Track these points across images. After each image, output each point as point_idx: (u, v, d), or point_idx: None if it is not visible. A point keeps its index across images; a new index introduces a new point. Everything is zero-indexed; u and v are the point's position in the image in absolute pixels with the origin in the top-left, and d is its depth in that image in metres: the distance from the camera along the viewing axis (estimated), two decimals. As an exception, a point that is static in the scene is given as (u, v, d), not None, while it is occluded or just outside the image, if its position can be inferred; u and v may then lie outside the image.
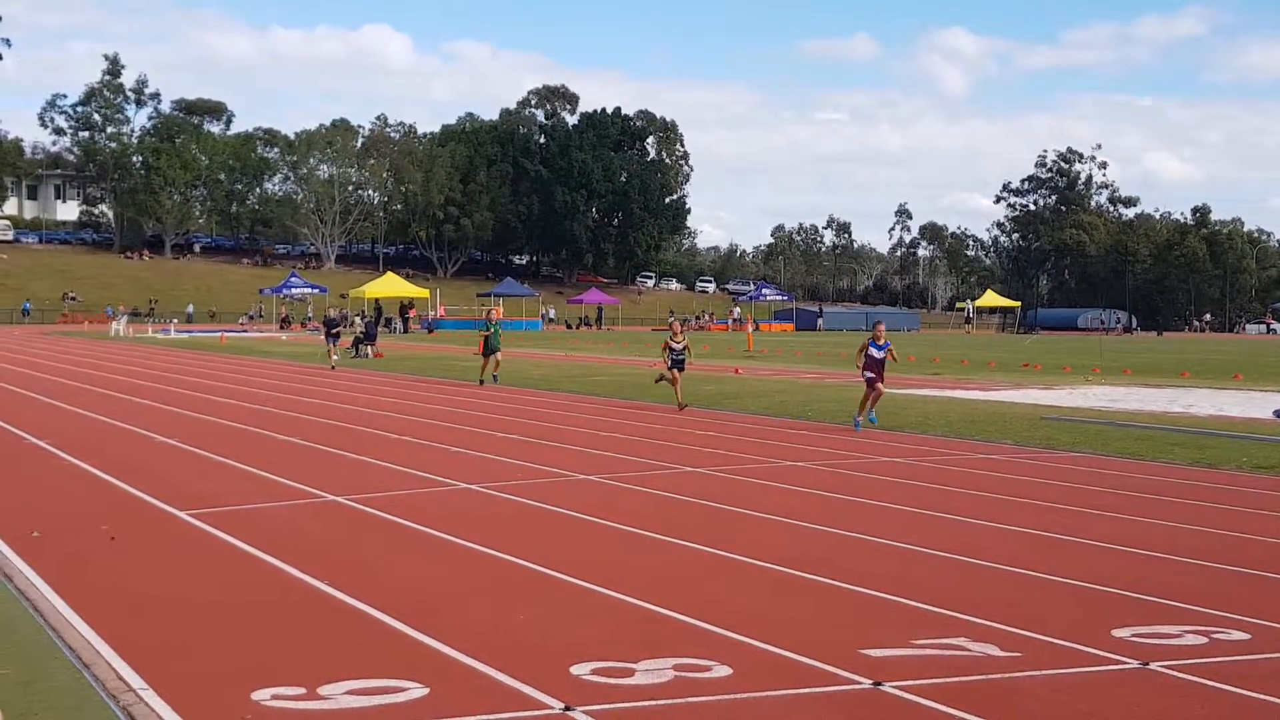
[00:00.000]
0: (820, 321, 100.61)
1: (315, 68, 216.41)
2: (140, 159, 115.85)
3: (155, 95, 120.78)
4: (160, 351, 46.70)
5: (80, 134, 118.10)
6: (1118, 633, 7.02)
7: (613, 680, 6.06)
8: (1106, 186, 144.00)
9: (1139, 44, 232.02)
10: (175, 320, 79.12)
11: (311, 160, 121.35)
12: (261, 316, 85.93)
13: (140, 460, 14.60)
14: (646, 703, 5.74)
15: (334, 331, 37.33)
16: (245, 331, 74.50)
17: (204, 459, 14.69)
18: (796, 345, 58.67)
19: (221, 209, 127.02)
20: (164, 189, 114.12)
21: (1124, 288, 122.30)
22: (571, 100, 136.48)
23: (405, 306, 78.46)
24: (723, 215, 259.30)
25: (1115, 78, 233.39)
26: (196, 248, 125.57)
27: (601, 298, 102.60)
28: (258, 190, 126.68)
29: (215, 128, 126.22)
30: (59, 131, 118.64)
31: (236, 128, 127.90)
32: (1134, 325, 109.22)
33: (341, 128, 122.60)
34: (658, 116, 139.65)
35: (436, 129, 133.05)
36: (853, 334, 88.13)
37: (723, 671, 6.21)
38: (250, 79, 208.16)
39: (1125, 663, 6.47)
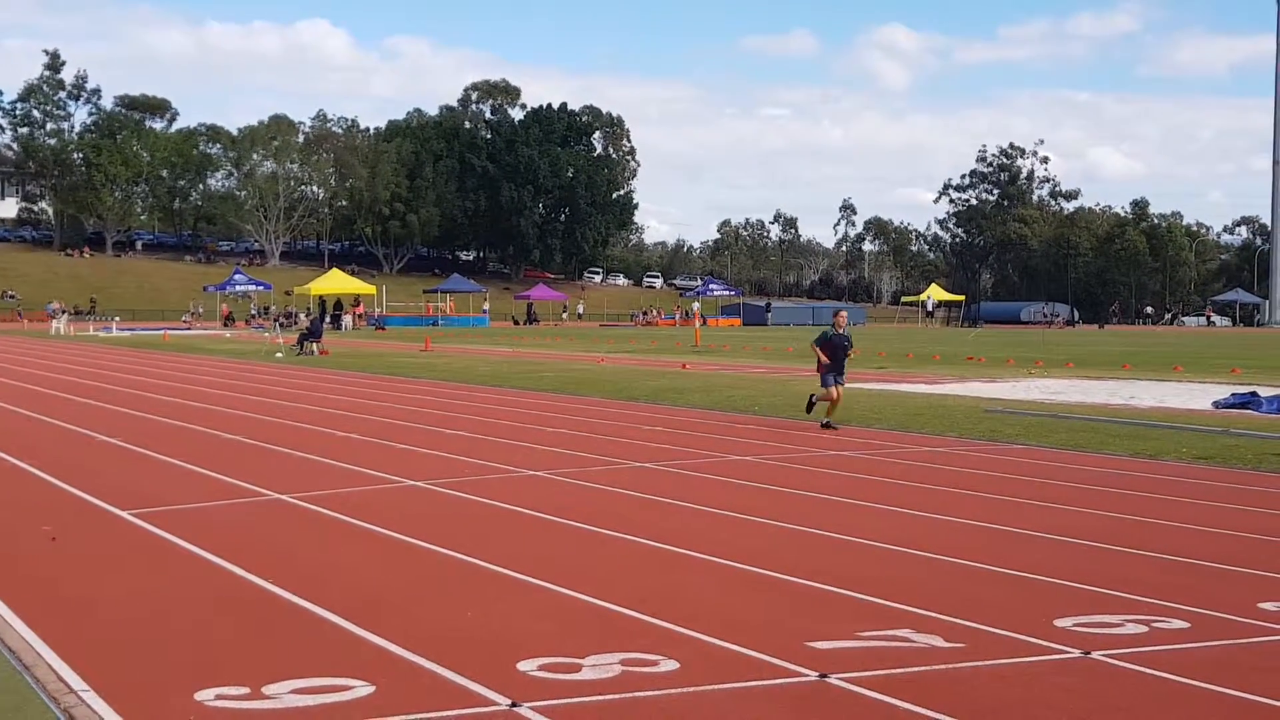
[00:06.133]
0: (769, 316, 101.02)
1: (254, 63, 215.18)
2: (81, 155, 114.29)
3: (96, 92, 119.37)
4: (102, 350, 46.11)
5: (19, 130, 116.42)
6: (1060, 622, 7.10)
7: (560, 676, 6.05)
8: (1048, 180, 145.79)
9: (1074, 40, 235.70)
10: (117, 318, 78.07)
11: (255, 156, 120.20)
12: (202, 314, 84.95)
13: (82, 460, 14.41)
14: (593, 698, 5.74)
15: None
16: (189, 329, 73.71)
17: (147, 458, 14.53)
18: (744, 340, 58.86)
19: (164, 206, 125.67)
20: (105, 186, 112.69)
21: (1066, 281, 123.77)
22: (513, 94, 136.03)
23: (337, 304, 77.91)
24: (669, 210, 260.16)
25: (1052, 73, 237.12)
26: (138, 245, 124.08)
27: (548, 294, 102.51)
28: (200, 187, 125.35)
29: (158, 124, 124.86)
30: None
31: (180, 124, 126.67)
32: (1075, 318, 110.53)
33: (283, 123, 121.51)
34: (604, 112, 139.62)
35: (380, 124, 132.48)
36: (800, 329, 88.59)
37: (670, 666, 6.23)
38: (190, 75, 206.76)
39: (1067, 652, 6.55)
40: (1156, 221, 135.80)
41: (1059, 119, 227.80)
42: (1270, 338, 70.61)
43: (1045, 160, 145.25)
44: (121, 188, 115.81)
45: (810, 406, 18.49)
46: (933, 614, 7.25)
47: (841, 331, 18.22)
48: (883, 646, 6.61)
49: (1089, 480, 13.06)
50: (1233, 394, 22.65)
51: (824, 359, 17.89)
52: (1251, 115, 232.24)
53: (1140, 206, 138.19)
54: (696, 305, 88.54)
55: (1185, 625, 7.11)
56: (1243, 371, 31.35)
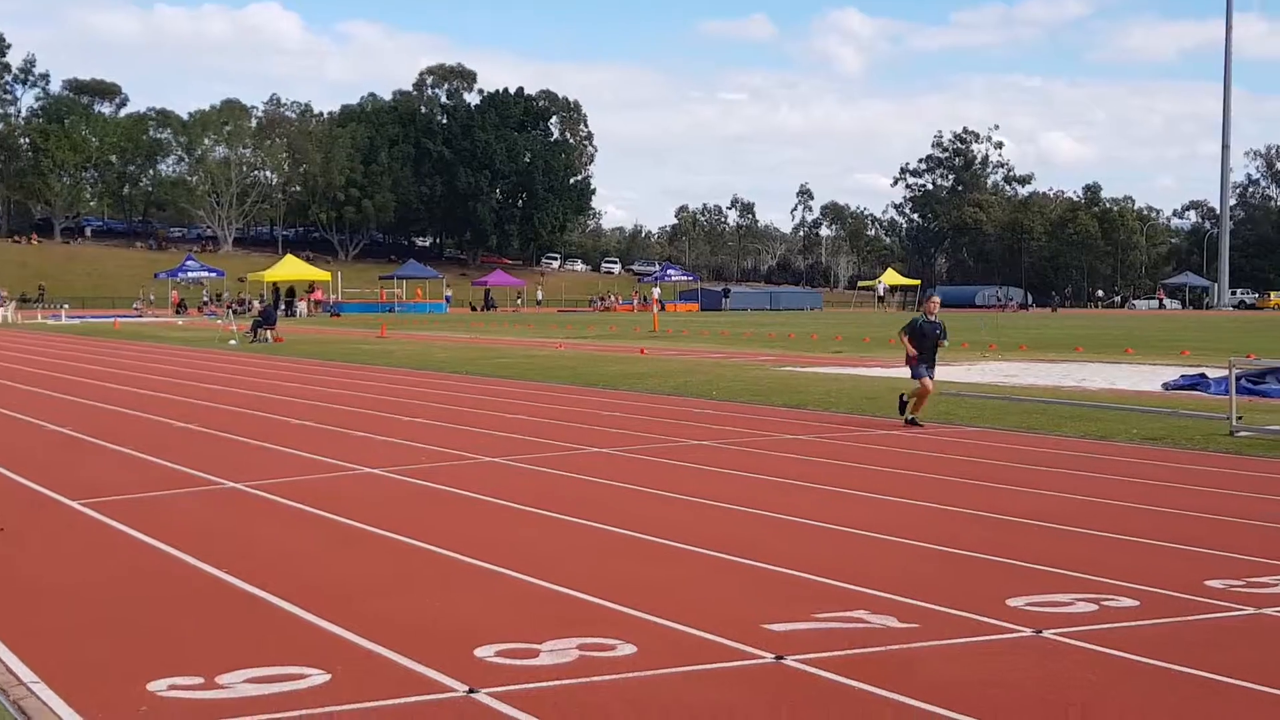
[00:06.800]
0: (726, 301, 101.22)
1: (205, 47, 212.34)
2: (28, 140, 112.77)
3: (44, 76, 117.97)
4: (51, 338, 45.56)
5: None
6: (1012, 602, 7.17)
7: (517, 661, 6.05)
8: (1002, 165, 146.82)
9: (1026, 25, 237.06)
10: (66, 306, 77.10)
11: (206, 141, 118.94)
12: (153, 301, 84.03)
13: (31, 449, 14.23)
14: (551, 683, 5.74)
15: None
16: (140, 316, 72.95)
17: (98, 447, 14.38)
18: (702, 325, 58.94)
19: (113, 192, 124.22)
20: (53, 171, 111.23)
21: (1019, 265, 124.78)
22: (469, 79, 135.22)
23: (290, 291, 77.19)
24: (627, 195, 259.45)
25: (1004, 59, 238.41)
26: (88, 231, 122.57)
27: (506, 279, 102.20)
28: (151, 172, 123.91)
29: (107, 109, 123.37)
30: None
31: (130, 109, 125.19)
32: (1029, 301, 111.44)
33: (235, 108, 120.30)
34: (560, 97, 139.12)
35: (333, 109, 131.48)
36: (757, 313, 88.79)
37: (627, 650, 6.24)
38: (140, 59, 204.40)
39: (1019, 631, 6.62)
40: (1108, 206, 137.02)
41: (1012, 104, 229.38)
42: (1219, 320, 71.53)
43: (999, 145, 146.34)
44: (70, 173, 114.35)
45: (903, 407, 16.63)
46: (887, 595, 7.30)
47: (933, 319, 16.63)
48: (838, 628, 6.65)
49: (1041, 462, 13.19)
50: (1182, 376, 22.94)
51: (912, 350, 16.38)
52: (1201, 100, 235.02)
53: (1092, 191, 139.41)
54: (656, 291, 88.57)
55: (1135, 603, 7.20)
56: (1192, 353, 31.74)
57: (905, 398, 16.71)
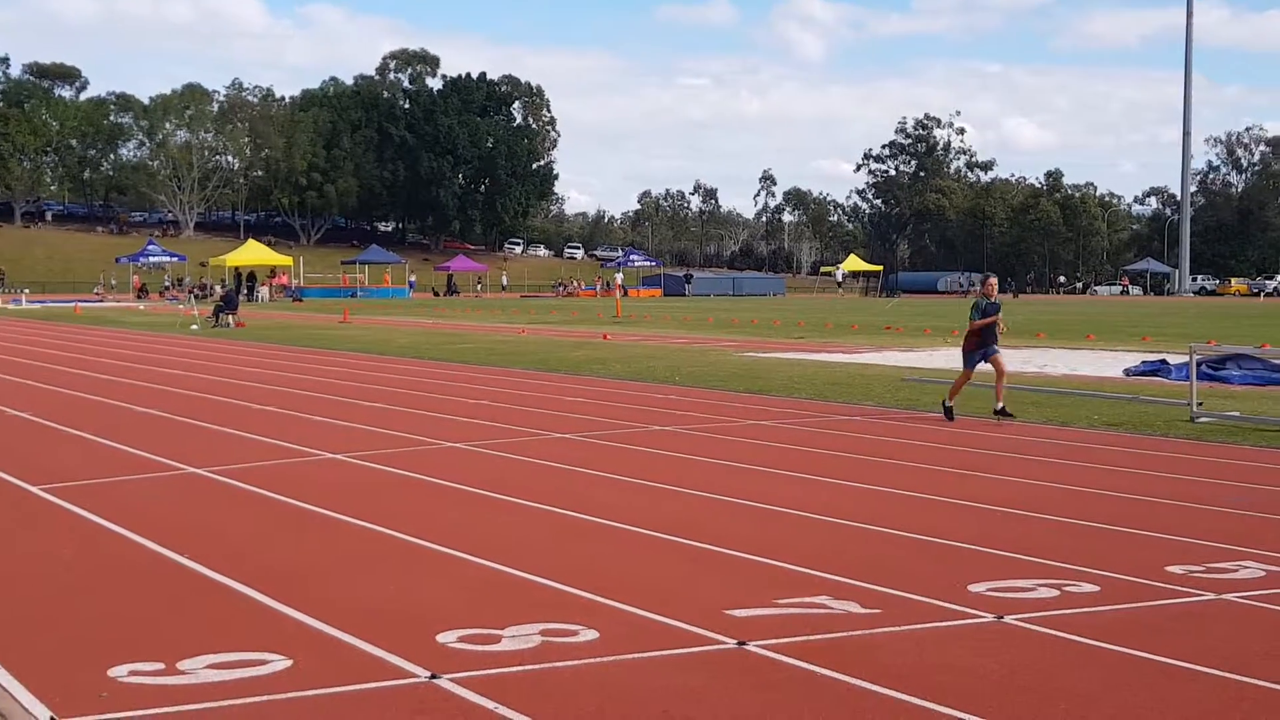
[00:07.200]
0: (688, 287, 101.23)
1: (166, 30, 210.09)
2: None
3: (4, 60, 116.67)
4: (11, 323, 45.06)
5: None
6: (974, 587, 7.21)
7: (479, 647, 6.04)
8: (964, 152, 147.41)
9: (988, 11, 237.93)
10: (27, 290, 76.23)
11: (167, 126, 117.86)
12: (115, 286, 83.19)
13: (-12, 435, 14.07)
14: (513, 668, 5.73)
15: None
16: (101, 301, 72.25)
17: (58, 432, 14.23)
18: (664, 311, 58.95)
19: (74, 176, 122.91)
20: (13, 155, 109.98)
21: (982, 251, 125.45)
22: (432, 63, 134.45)
23: (250, 276, 76.65)
24: (590, 181, 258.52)
25: (965, 44, 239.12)
26: (48, 215, 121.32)
27: (469, 265, 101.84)
28: (112, 157, 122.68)
29: (67, 93, 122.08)
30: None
31: (90, 93, 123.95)
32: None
33: (196, 92, 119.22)
34: (523, 82, 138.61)
35: (295, 93, 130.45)
36: (720, 299, 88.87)
37: (589, 635, 6.24)
38: (100, 43, 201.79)
39: (981, 616, 6.66)
40: (1070, 192, 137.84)
41: (974, 90, 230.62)
42: (1180, 306, 72.20)
43: (961, 131, 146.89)
44: (30, 157, 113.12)
45: (949, 412, 15.70)
46: (850, 581, 7.33)
47: (994, 300, 15.96)
48: (800, 613, 6.67)
49: (1003, 448, 13.27)
50: (1143, 361, 23.13)
51: (985, 323, 15.59)
52: (1162, 87, 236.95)
53: (1054, 177, 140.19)
54: (619, 276, 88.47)
55: (1095, 589, 7.25)
56: (1153, 339, 32.02)
57: (949, 402, 15.91)
